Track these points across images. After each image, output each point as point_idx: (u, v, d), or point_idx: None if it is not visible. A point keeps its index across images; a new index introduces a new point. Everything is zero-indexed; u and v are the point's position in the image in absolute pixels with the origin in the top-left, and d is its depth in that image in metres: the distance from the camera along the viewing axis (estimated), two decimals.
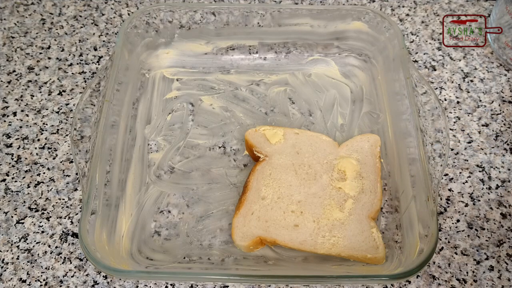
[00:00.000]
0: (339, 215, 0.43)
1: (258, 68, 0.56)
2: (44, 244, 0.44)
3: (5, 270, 0.43)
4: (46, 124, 0.52)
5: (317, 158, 0.46)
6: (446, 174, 0.48)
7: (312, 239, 0.41)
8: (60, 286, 0.42)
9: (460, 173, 0.49)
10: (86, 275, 0.43)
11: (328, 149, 0.47)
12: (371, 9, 0.52)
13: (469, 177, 0.48)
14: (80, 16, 0.61)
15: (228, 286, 0.43)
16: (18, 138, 0.51)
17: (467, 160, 0.49)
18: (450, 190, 0.48)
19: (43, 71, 0.56)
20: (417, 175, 0.42)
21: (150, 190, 0.47)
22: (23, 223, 0.45)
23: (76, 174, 0.48)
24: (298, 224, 0.42)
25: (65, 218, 0.46)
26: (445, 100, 0.54)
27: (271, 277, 0.39)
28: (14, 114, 0.53)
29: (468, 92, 0.55)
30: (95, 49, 0.58)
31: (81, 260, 0.43)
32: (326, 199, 0.43)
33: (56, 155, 0.50)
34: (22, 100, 0.54)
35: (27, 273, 0.43)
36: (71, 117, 0.52)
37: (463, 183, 0.48)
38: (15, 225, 0.45)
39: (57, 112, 0.53)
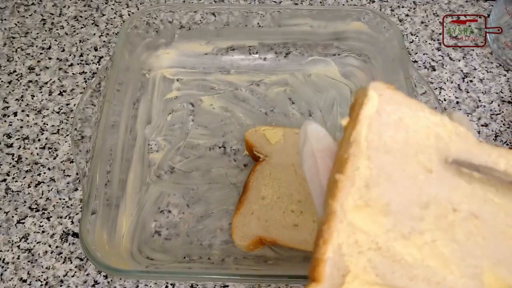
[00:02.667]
0: None
1: (258, 69, 0.56)
2: (45, 244, 0.44)
3: (5, 270, 0.43)
4: (47, 124, 0.52)
5: None
6: None
7: (312, 238, 0.41)
8: (61, 285, 0.42)
9: None
10: (87, 274, 0.43)
11: None
12: (370, 10, 0.52)
13: None
14: (81, 17, 0.61)
15: (228, 286, 0.43)
16: (18, 138, 0.51)
17: None
18: None
19: (43, 71, 0.56)
20: None
21: (151, 190, 0.47)
22: (23, 223, 0.46)
23: (77, 174, 0.48)
24: (298, 223, 0.42)
25: (65, 218, 0.46)
26: (445, 100, 0.54)
27: (271, 277, 0.39)
28: (15, 114, 0.53)
29: (468, 92, 0.55)
30: (96, 50, 0.58)
31: (81, 259, 0.44)
32: None
33: (57, 155, 0.50)
34: (22, 100, 0.54)
35: (28, 273, 0.43)
36: (71, 117, 0.52)
37: None
38: (15, 225, 0.45)
39: (58, 112, 0.53)
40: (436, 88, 0.55)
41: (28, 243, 0.44)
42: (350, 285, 0.24)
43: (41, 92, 0.54)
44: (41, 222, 0.46)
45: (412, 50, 0.58)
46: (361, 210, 0.24)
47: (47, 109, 0.53)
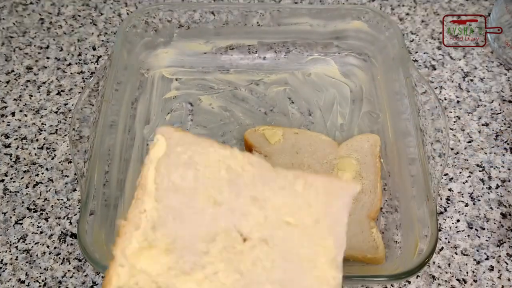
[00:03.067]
0: None
1: (258, 68, 0.56)
2: (43, 244, 0.44)
3: (3, 271, 0.43)
4: (45, 124, 0.52)
5: (317, 157, 0.46)
6: (446, 174, 0.48)
7: None
8: (59, 287, 0.42)
9: (460, 172, 0.49)
10: (85, 275, 0.43)
11: (328, 149, 0.46)
12: (370, 8, 0.52)
13: (469, 176, 0.48)
14: (79, 16, 0.61)
15: None
16: (16, 138, 0.51)
17: (467, 160, 0.49)
18: (450, 190, 0.47)
19: (41, 71, 0.56)
20: (417, 175, 0.42)
21: None
22: (21, 223, 0.45)
23: (75, 174, 0.48)
24: None
25: (63, 219, 0.46)
26: (445, 99, 0.54)
27: None
28: (13, 114, 0.52)
29: (468, 91, 0.55)
30: (94, 49, 0.58)
31: (80, 260, 0.43)
32: None
33: (55, 155, 0.49)
34: (20, 100, 0.54)
35: (26, 274, 0.43)
36: (69, 117, 0.52)
37: (463, 183, 0.48)
38: (13, 225, 0.45)
39: (56, 112, 0.53)
40: (437, 87, 0.55)
41: (26, 244, 0.44)
42: None
43: (39, 92, 0.54)
44: (39, 223, 0.45)
45: (413, 49, 0.58)
46: (145, 251, 0.25)
47: (45, 109, 0.53)
